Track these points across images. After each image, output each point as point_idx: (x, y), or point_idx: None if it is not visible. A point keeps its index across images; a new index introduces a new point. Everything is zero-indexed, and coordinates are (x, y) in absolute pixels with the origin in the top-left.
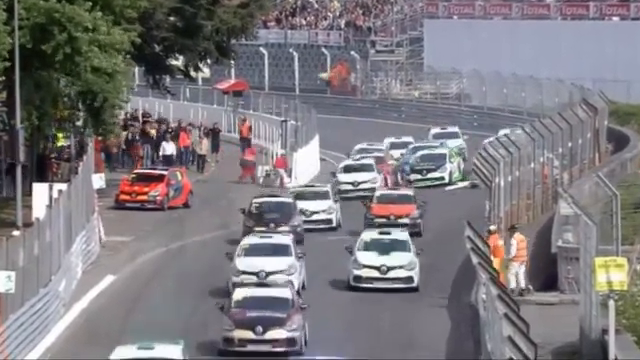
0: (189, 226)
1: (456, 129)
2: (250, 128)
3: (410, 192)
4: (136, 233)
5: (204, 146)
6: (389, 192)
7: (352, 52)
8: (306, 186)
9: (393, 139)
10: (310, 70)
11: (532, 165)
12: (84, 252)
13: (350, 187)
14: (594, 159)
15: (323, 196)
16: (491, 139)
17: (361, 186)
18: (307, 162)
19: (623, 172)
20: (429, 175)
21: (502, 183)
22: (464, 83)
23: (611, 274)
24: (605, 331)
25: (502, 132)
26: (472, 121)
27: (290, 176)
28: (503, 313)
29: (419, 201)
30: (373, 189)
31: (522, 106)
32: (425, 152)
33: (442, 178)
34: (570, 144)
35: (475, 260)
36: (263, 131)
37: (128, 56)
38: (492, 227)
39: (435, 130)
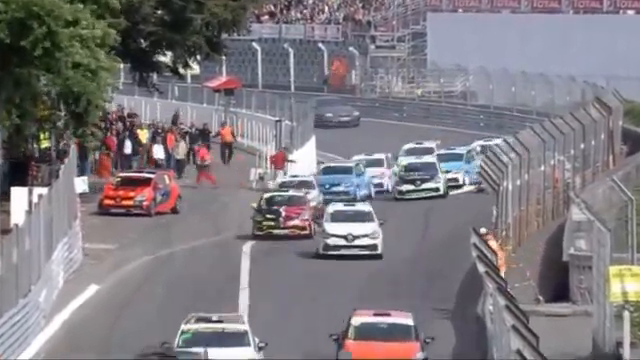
0: (177, 233)
1: (432, 145)
2: (232, 133)
3: (409, 320)
4: (120, 240)
5: (181, 150)
6: (375, 320)
7: (351, 48)
8: (206, 320)
9: (363, 155)
10: (306, 67)
11: (542, 168)
12: (66, 260)
13: (342, 242)
14: (608, 162)
15: (239, 341)
16: (442, 151)
17: (358, 242)
18: (303, 164)
19: (639, 175)
20: (423, 185)
21: (510, 187)
22: (470, 81)
23: (626, 284)
24: (620, 344)
25: (477, 143)
26: (478, 121)
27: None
28: (511, 325)
29: (422, 335)
30: (374, 246)
31: (531, 105)
32: (410, 161)
33: (437, 189)
34: (582, 146)
35: (482, 269)
36: (256, 132)
37: (113, 52)
38: (482, 230)
39: (408, 145)
